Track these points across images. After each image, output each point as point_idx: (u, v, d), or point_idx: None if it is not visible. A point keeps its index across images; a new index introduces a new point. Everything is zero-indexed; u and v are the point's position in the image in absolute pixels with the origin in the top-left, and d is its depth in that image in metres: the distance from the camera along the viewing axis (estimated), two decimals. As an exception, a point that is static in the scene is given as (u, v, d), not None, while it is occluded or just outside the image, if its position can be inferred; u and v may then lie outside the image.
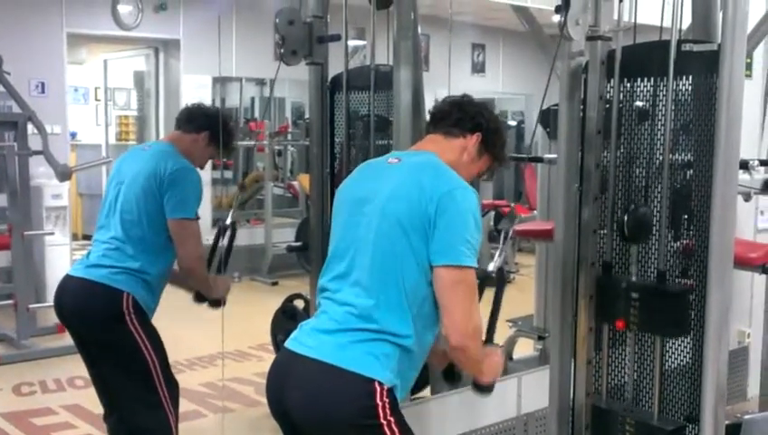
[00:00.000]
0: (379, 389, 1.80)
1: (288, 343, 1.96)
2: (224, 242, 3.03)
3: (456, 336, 1.85)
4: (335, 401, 1.81)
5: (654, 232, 2.24)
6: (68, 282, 2.77)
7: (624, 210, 2.27)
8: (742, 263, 2.69)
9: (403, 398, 1.93)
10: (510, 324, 4.10)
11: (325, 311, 1.95)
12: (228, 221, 3.03)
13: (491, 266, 2.12)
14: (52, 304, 2.83)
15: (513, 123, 9.24)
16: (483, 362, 1.99)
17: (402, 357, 1.86)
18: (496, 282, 2.13)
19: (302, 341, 1.92)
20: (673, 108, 2.18)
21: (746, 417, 2.41)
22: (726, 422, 2.20)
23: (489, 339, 2.12)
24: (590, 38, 2.24)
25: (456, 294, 1.84)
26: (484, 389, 2.06)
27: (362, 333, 1.85)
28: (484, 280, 2.05)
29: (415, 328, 1.87)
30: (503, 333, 4.01)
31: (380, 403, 1.80)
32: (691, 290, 2.18)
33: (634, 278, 2.28)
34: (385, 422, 1.80)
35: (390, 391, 1.82)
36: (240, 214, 7.46)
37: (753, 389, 4.17)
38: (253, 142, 7.74)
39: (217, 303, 2.93)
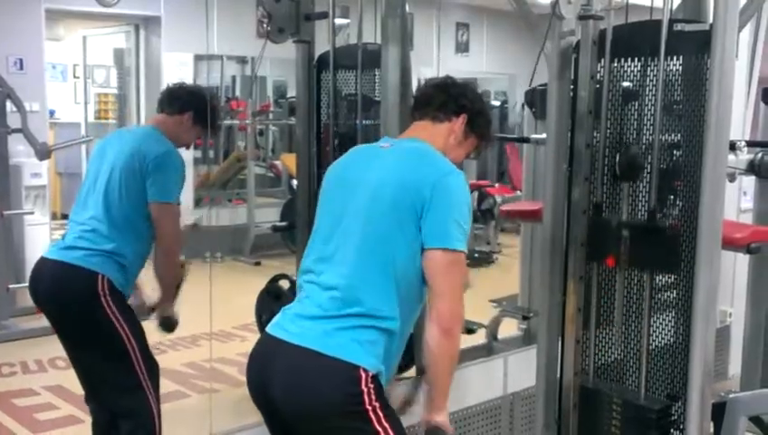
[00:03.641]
0: (364, 375, 1.80)
1: (270, 329, 1.94)
2: None
3: (447, 318, 1.85)
4: (320, 387, 1.80)
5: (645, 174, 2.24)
6: (43, 264, 2.72)
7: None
8: (727, 243, 2.69)
9: (387, 383, 1.92)
10: (494, 305, 4.11)
11: (309, 296, 1.93)
12: None
13: None
14: (30, 285, 2.79)
15: (496, 103, 9.22)
16: (451, 377, 1.93)
17: (387, 343, 1.87)
18: None
19: (285, 327, 1.91)
20: (663, 88, 2.18)
21: (731, 396, 2.43)
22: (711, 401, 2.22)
23: None
24: (582, 17, 2.24)
25: (448, 276, 1.85)
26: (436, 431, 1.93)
27: (348, 319, 1.84)
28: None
29: (400, 311, 1.87)
30: (487, 314, 4.02)
31: (365, 389, 1.79)
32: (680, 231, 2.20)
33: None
34: (370, 408, 1.80)
35: (375, 378, 1.82)
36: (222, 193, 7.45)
37: (735, 368, 4.21)
38: (236, 121, 7.68)
39: (170, 325, 2.91)
